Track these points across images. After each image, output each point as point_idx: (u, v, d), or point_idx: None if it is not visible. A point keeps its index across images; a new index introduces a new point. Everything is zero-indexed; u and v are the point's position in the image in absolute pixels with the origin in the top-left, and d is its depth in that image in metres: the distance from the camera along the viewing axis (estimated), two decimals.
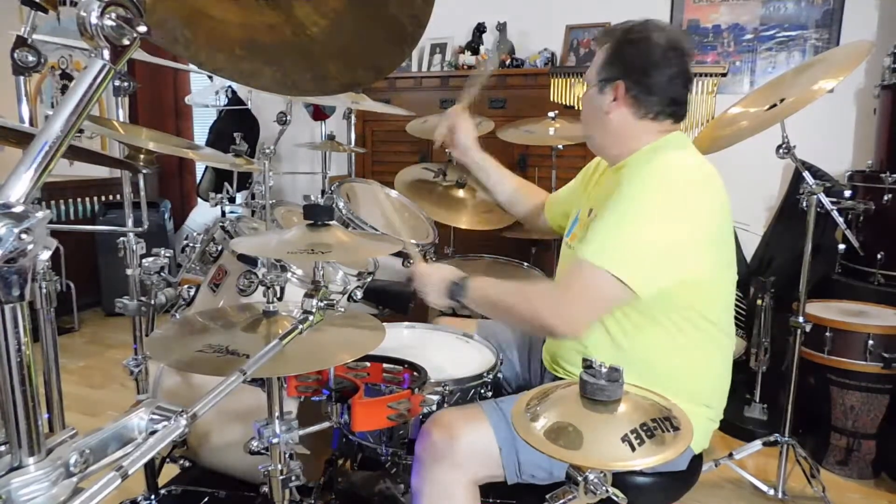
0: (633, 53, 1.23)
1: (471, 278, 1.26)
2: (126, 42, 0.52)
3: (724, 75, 2.49)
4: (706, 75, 2.40)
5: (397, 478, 1.34)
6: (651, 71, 1.22)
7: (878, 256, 2.34)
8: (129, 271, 1.58)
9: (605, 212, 1.14)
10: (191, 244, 1.80)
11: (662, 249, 1.11)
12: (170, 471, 1.70)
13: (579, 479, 0.73)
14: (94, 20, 0.50)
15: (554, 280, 1.42)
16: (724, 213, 1.19)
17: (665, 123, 1.26)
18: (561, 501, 0.77)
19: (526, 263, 2.21)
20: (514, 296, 1.19)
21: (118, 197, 4.05)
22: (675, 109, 1.25)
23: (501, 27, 3.41)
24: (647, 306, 1.15)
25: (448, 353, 1.47)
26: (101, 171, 4.00)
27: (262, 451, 1.08)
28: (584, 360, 0.79)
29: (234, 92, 4.05)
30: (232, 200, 2.13)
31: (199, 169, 4.40)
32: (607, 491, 0.73)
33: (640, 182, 1.14)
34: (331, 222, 1.07)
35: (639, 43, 1.23)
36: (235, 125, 3.64)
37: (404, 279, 1.40)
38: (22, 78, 1.42)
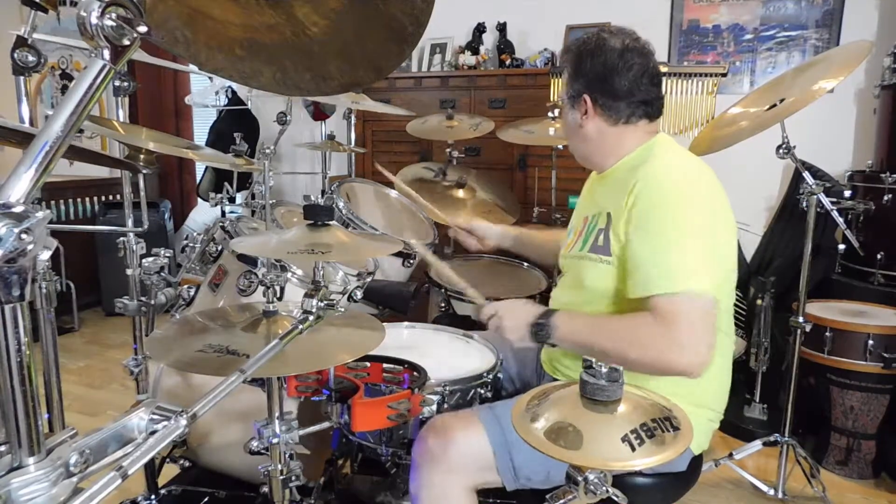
0: (590, 64, 1.25)
1: (555, 315, 1.20)
2: (126, 42, 0.52)
3: (724, 75, 2.49)
4: (706, 75, 2.40)
5: (398, 483, 1.33)
6: (612, 77, 1.23)
7: (878, 256, 2.34)
8: (129, 271, 1.58)
9: (643, 240, 1.13)
10: (191, 244, 1.80)
11: (710, 245, 1.13)
12: (170, 471, 1.70)
13: (579, 479, 0.73)
14: (94, 20, 0.50)
15: (560, 285, 1.42)
16: (725, 215, 1.19)
17: (641, 124, 1.26)
18: (561, 501, 0.77)
19: (526, 263, 2.21)
20: (617, 342, 1.11)
21: (118, 197, 4.06)
22: (647, 109, 1.25)
23: (501, 27, 3.41)
24: None
25: (448, 353, 1.47)
26: (101, 171, 4.00)
27: (262, 451, 1.08)
28: (584, 360, 0.79)
29: (234, 92, 4.05)
30: (232, 200, 2.13)
31: (199, 169, 4.40)
32: (607, 491, 0.73)
33: (657, 196, 1.14)
34: (331, 222, 1.07)
35: (594, 52, 1.24)
36: (235, 125, 3.65)
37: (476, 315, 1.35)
38: (22, 78, 1.42)
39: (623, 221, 1.17)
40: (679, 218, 1.12)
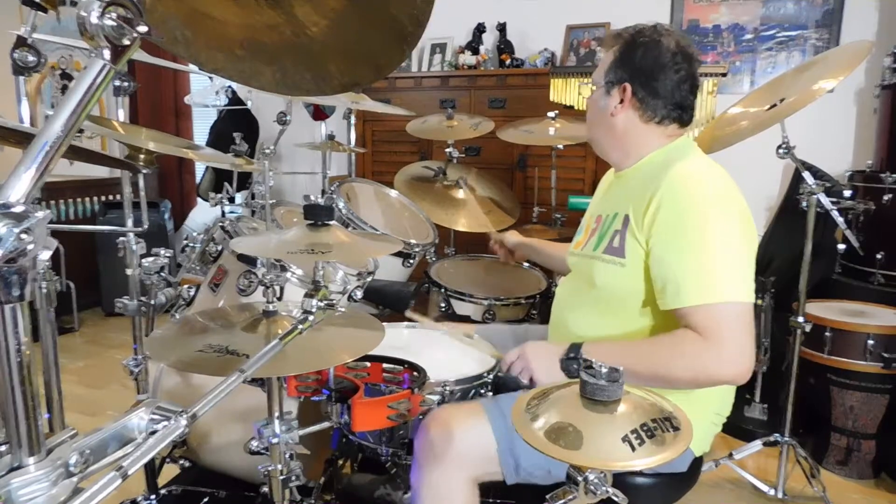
0: (641, 56, 1.23)
1: (582, 347, 1.17)
2: (126, 42, 0.52)
3: (724, 75, 2.49)
4: (706, 75, 2.40)
5: (397, 478, 1.33)
6: (659, 74, 1.22)
7: (878, 256, 2.35)
8: (129, 271, 1.58)
9: (673, 250, 1.11)
10: (191, 244, 1.80)
11: (741, 253, 1.12)
12: (170, 471, 1.69)
13: (579, 479, 0.73)
14: (94, 20, 0.50)
15: (564, 282, 1.41)
16: (750, 224, 1.17)
17: (670, 128, 1.26)
18: (561, 502, 0.77)
19: (526, 263, 2.21)
20: (657, 362, 1.10)
21: (118, 197, 4.05)
22: (681, 114, 1.25)
23: (501, 27, 3.42)
24: (662, 317, 1.16)
25: (448, 353, 1.47)
26: (101, 171, 4.00)
27: (262, 451, 1.07)
28: (584, 360, 0.79)
29: (234, 92, 4.05)
30: (232, 200, 2.12)
31: (200, 169, 4.40)
32: (607, 491, 0.73)
33: (685, 203, 1.13)
34: (331, 222, 1.07)
35: (648, 46, 1.23)
36: (235, 125, 3.65)
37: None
38: (22, 78, 1.42)
39: (645, 226, 1.15)
40: (710, 226, 1.11)
